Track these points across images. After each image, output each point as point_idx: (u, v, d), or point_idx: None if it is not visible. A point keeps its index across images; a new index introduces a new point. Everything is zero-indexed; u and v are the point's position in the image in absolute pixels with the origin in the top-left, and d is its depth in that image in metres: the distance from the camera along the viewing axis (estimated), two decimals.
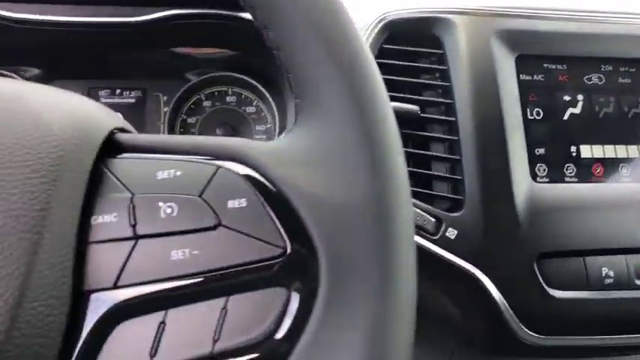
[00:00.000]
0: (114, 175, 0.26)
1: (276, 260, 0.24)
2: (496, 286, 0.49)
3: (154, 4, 0.61)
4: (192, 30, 0.64)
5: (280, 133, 0.74)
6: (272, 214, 0.25)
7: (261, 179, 0.26)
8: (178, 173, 0.26)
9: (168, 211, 0.25)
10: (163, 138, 0.28)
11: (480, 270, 0.49)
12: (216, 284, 0.24)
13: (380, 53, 0.56)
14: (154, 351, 0.24)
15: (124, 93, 0.75)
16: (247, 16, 0.59)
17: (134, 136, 0.29)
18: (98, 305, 0.24)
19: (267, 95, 0.72)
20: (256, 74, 0.73)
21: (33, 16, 0.61)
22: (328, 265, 0.24)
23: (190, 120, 0.75)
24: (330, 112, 0.27)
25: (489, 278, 0.49)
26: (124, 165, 0.27)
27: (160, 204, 0.25)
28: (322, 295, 0.24)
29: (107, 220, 0.25)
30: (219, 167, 0.26)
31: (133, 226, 0.25)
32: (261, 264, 0.24)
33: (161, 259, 0.24)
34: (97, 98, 0.75)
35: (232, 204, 0.25)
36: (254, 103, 0.76)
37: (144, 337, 0.24)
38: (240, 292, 0.24)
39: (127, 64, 0.73)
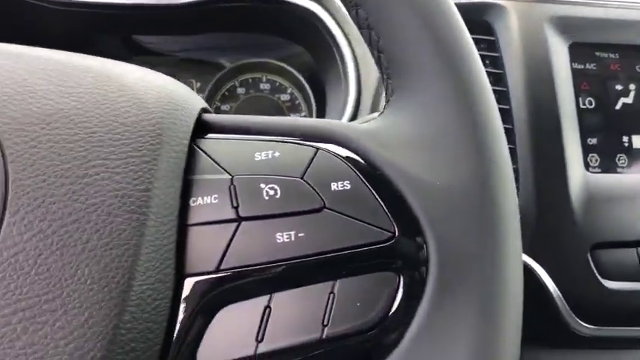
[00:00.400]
0: (209, 155, 0.26)
1: (384, 244, 0.24)
2: (550, 276, 0.48)
3: None
4: (231, 14, 0.63)
5: None
6: (377, 196, 0.24)
7: (363, 162, 0.25)
8: (277, 154, 0.25)
9: (272, 192, 0.24)
10: (253, 119, 0.27)
11: (534, 259, 0.49)
12: (322, 268, 0.24)
13: None
14: (260, 336, 0.23)
15: None
16: (296, 1, 0.58)
17: (221, 117, 0.28)
18: (200, 289, 0.23)
19: (304, 82, 0.71)
20: (292, 61, 0.72)
21: None
22: (437, 250, 0.23)
23: (224, 107, 0.74)
24: (429, 94, 0.26)
25: (543, 268, 0.48)
26: (218, 146, 0.26)
27: (262, 185, 0.24)
28: (432, 279, 0.23)
29: (207, 202, 0.24)
30: (318, 149, 0.26)
31: (236, 208, 0.24)
32: (369, 247, 0.24)
33: (266, 242, 0.24)
34: None
35: (336, 186, 0.25)
36: (288, 91, 0.75)
37: (249, 321, 0.23)
38: (347, 276, 0.24)
39: (160, 48, 0.72)
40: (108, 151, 0.23)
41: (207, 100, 0.73)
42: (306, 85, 0.72)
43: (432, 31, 0.26)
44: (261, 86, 0.75)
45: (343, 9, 0.59)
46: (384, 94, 0.30)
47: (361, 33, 0.29)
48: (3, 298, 0.19)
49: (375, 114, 0.29)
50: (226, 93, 0.74)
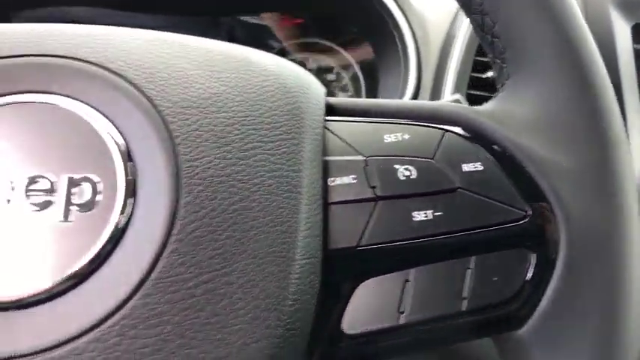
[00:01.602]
0: (339, 137, 0.27)
1: (518, 223, 0.25)
2: None
3: None
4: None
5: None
6: (507, 177, 0.26)
7: (491, 143, 0.26)
8: (406, 137, 0.27)
9: (407, 173, 0.25)
10: (375, 102, 0.29)
11: None
12: (458, 245, 0.25)
13: None
14: (402, 308, 0.24)
15: None
16: None
17: (344, 100, 0.29)
18: (342, 264, 0.25)
19: (353, 63, 0.72)
20: (338, 41, 0.72)
21: None
22: (567, 229, 0.25)
23: None
24: (549, 78, 0.27)
25: None
26: (346, 128, 0.27)
27: (396, 166, 0.26)
28: (562, 256, 0.25)
29: (345, 182, 0.25)
30: (445, 131, 0.27)
31: (373, 188, 0.25)
32: (503, 226, 0.25)
33: (403, 221, 0.25)
34: None
35: (467, 167, 0.26)
36: (334, 71, 0.76)
37: (390, 294, 0.25)
38: (482, 253, 0.25)
39: (209, 28, 0.73)
40: (261, 134, 0.24)
41: None
42: (355, 65, 0.73)
43: (551, 17, 0.27)
44: (307, 66, 0.76)
45: None
46: (491, 76, 0.30)
47: (471, 18, 0.30)
48: (187, 272, 0.21)
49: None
50: None
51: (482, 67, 0.56)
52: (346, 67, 0.74)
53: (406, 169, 0.26)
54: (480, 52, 0.56)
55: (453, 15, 0.59)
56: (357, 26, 0.66)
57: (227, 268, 0.21)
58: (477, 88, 0.55)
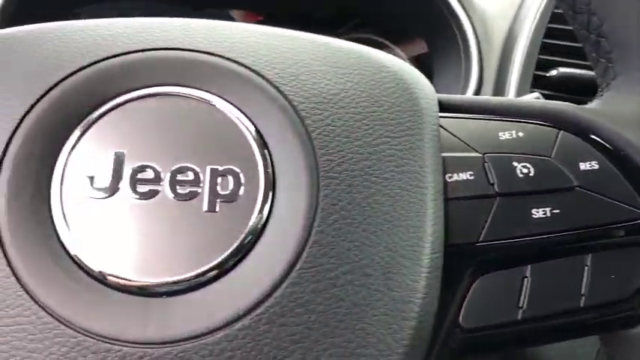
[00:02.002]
0: (452, 133, 0.27)
1: (636, 222, 0.25)
2: None
3: None
4: None
5: None
6: (623, 176, 0.26)
7: (605, 142, 0.27)
8: (521, 134, 0.27)
9: (525, 171, 0.26)
10: (485, 100, 0.29)
11: None
12: (576, 243, 0.25)
13: (553, 18, 0.55)
14: (522, 303, 0.25)
15: None
16: None
17: (453, 97, 0.29)
18: (461, 259, 0.25)
19: (405, 58, 0.72)
20: (391, 37, 0.73)
21: None
22: None
23: None
24: None
25: None
26: (459, 124, 0.27)
27: (515, 164, 0.26)
28: None
29: (463, 178, 0.26)
30: (560, 129, 0.27)
31: (492, 185, 0.25)
32: (621, 225, 0.25)
33: (522, 218, 0.25)
34: None
35: (584, 166, 0.26)
36: None
37: (509, 289, 0.25)
38: (599, 251, 0.25)
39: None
40: (388, 129, 0.24)
41: None
42: (407, 62, 0.73)
43: None
44: None
45: None
46: (597, 75, 0.31)
47: (574, 17, 0.30)
48: (328, 263, 0.21)
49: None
50: None
51: (546, 65, 0.56)
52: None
53: (524, 166, 0.26)
54: (543, 50, 0.56)
55: (514, 11, 0.58)
56: (414, 22, 0.66)
57: (364, 260, 0.22)
58: (539, 87, 0.55)
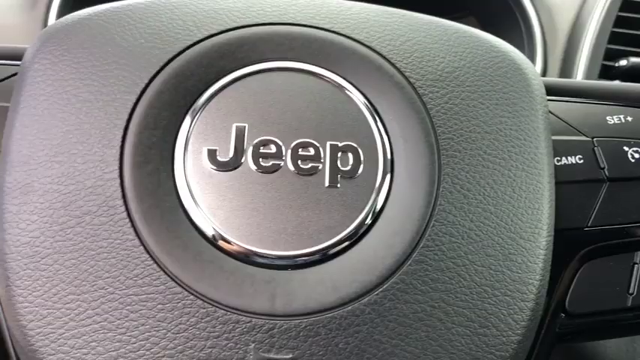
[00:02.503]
0: (559, 117, 0.27)
1: None
2: None
3: None
4: None
5: None
6: None
7: None
8: (630, 119, 0.26)
9: (637, 156, 0.25)
10: (590, 83, 0.28)
11: None
12: None
13: (624, 6, 0.54)
14: (632, 289, 0.24)
15: None
16: None
17: (557, 80, 0.29)
18: (569, 244, 0.25)
19: None
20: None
21: None
22: None
23: None
24: None
25: None
26: (565, 107, 0.27)
27: (625, 148, 0.25)
28: None
29: (572, 162, 0.25)
30: None
31: (602, 169, 0.25)
32: None
33: (634, 203, 0.25)
34: None
35: None
36: None
37: (617, 275, 0.25)
38: None
39: None
40: (503, 109, 0.24)
41: None
42: None
43: None
44: None
45: None
46: None
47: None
48: (452, 241, 0.21)
49: None
50: None
51: (614, 55, 0.54)
52: None
53: (635, 151, 0.25)
54: (612, 40, 0.54)
55: (580, 3, 0.57)
56: (474, 9, 0.65)
57: (486, 240, 0.22)
58: (607, 78, 0.54)
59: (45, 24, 0.56)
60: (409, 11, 0.27)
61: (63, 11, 0.56)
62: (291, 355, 0.20)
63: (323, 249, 0.21)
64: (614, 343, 0.57)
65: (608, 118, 0.26)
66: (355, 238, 0.21)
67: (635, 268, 0.24)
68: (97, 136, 0.21)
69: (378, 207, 0.22)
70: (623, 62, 0.54)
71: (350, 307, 0.20)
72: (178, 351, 0.19)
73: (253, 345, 0.20)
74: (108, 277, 0.20)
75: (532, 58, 0.56)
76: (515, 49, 0.27)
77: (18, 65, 0.26)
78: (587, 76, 0.53)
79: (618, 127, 0.26)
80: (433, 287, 0.21)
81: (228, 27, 0.24)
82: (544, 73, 0.55)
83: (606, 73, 0.54)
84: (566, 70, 0.55)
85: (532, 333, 0.22)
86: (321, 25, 0.24)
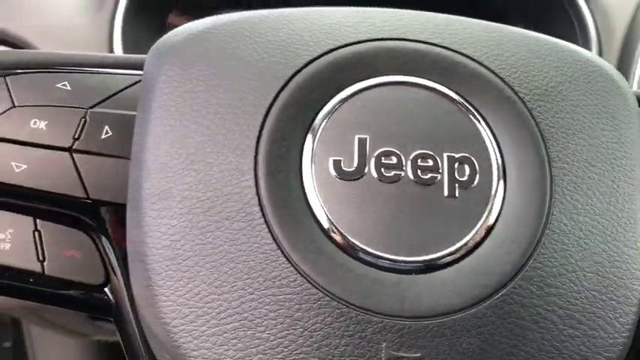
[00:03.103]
0: None
1: None
2: None
3: None
4: None
5: None
6: None
7: None
8: None
9: None
10: None
11: None
12: None
13: None
14: None
15: None
16: None
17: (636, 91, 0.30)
18: None
19: None
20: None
21: None
22: None
23: None
24: None
25: None
26: None
27: None
28: None
29: None
30: None
31: None
32: None
33: None
34: None
35: None
36: None
37: None
38: None
39: None
40: (604, 122, 0.25)
41: None
42: None
43: None
44: None
45: None
46: None
47: None
48: (564, 248, 0.23)
49: None
50: None
51: None
52: None
53: None
54: None
55: (637, 2, 0.57)
56: (528, 10, 0.65)
57: (595, 248, 0.23)
58: None
59: (111, 26, 0.58)
60: (506, 25, 0.28)
61: (128, 14, 0.58)
62: (419, 354, 0.21)
63: (445, 255, 0.22)
64: None
65: None
66: (474, 245, 0.23)
67: None
68: (230, 146, 0.23)
69: (494, 216, 0.23)
70: None
71: (473, 311, 0.21)
72: (314, 348, 0.21)
73: (385, 344, 0.21)
74: (247, 279, 0.22)
75: None
76: (608, 64, 0.28)
77: (134, 75, 0.28)
78: None
79: None
80: (547, 292, 0.22)
81: (345, 42, 0.25)
82: None
83: None
84: (624, 72, 0.55)
85: (632, 335, 0.24)
86: (430, 40, 0.25)
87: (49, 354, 1.03)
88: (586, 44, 0.57)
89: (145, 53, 0.27)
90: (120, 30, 0.58)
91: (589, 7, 0.58)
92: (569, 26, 0.59)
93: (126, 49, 0.59)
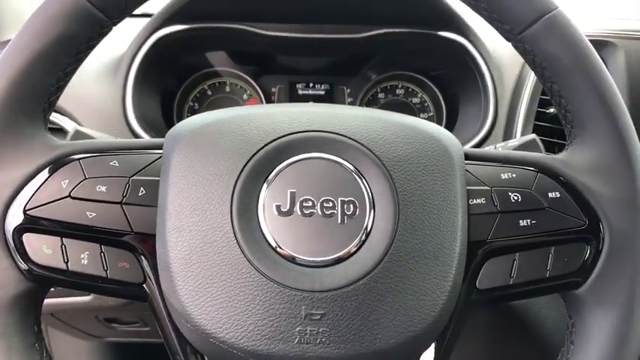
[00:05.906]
0: (472, 174, 0.45)
1: (580, 228, 0.43)
2: None
3: (367, 22, 0.79)
4: (394, 42, 0.82)
5: (440, 122, 0.91)
6: (575, 202, 0.44)
7: (565, 180, 0.44)
8: (514, 175, 0.45)
9: (515, 198, 0.44)
10: (493, 153, 0.47)
11: None
12: (546, 240, 0.43)
13: None
14: (512, 274, 0.43)
15: (316, 86, 0.94)
16: (446, 35, 0.77)
17: (473, 150, 0.48)
18: (479, 249, 0.43)
19: (436, 90, 0.90)
20: (425, 74, 0.91)
21: (274, 33, 0.80)
22: (609, 233, 0.43)
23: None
24: (601, 141, 0.45)
25: None
26: (476, 168, 0.46)
27: (510, 194, 0.44)
28: (605, 248, 0.43)
29: (478, 202, 0.44)
30: (538, 172, 0.45)
31: (496, 206, 0.44)
32: (572, 229, 0.43)
33: (514, 225, 0.43)
34: (295, 90, 0.94)
35: (551, 195, 0.44)
36: (419, 95, 0.94)
37: (505, 267, 0.43)
38: (559, 245, 0.43)
39: (320, 64, 0.92)
40: (436, 176, 0.43)
41: (354, 103, 0.93)
42: (437, 92, 0.91)
43: (603, 104, 0.44)
44: (397, 91, 0.94)
45: (486, 43, 0.77)
46: (566, 129, 0.48)
47: (552, 98, 0.48)
48: (405, 248, 0.40)
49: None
50: (370, 98, 0.94)
51: (546, 104, 0.73)
52: (429, 92, 0.93)
53: (515, 195, 0.44)
54: (544, 92, 0.73)
55: (522, 63, 0.76)
56: (447, 67, 0.84)
57: (424, 248, 0.40)
58: (542, 121, 0.73)
59: (124, 90, 0.75)
60: (386, 112, 0.46)
61: (137, 79, 0.75)
62: (323, 311, 0.38)
63: (338, 257, 0.40)
64: (555, 311, 0.75)
65: (502, 174, 0.45)
66: (355, 250, 0.40)
67: (514, 263, 0.43)
68: (216, 198, 0.40)
69: (367, 233, 0.40)
70: (551, 110, 0.73)
71: (352, 286, 0.39)
72: (264, 309, 0.38)
73: (304, 307, 0.38)
74: (228, 276, 0.39)
75: (487, 107, 0.75)
76: (448, 134, 0.46)
77: (156, 153, 0.45)
78: (526, 121, 0.72)
79: (507, 180, 0.45)
80: (398, 274, 0.40)
81: (284, 133, 0.42)
82: (495, 118, 0.74)
83: (540, 118, 0.73)
84: (511, 115, 0.74)
85: (452, 303, 0.41)
86: (334, 131, 0.43)
87: (64, 354, 1.18)
88: (485, 93, 0.76)
89: (150, 108, 0.44)
90: (131, 91, 0.75)
91: (487, 65, 0.76)
92: (473, 78, 0.77)
93: (134, 105, 0.75)
